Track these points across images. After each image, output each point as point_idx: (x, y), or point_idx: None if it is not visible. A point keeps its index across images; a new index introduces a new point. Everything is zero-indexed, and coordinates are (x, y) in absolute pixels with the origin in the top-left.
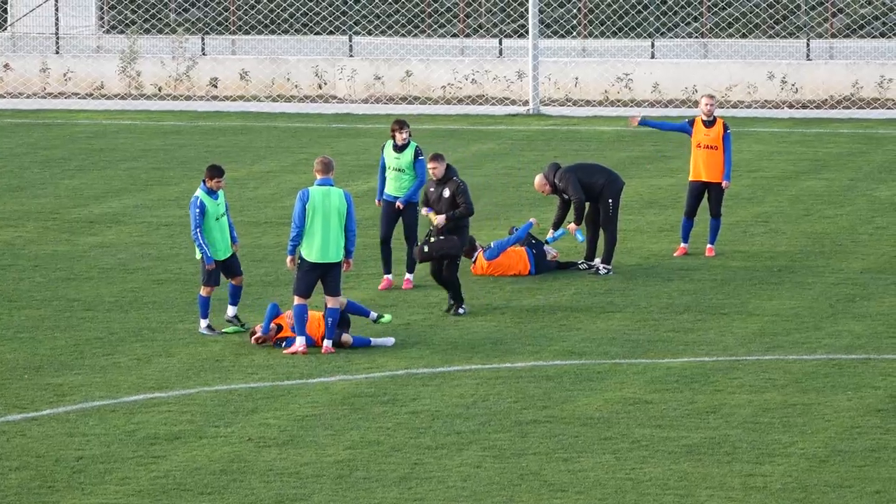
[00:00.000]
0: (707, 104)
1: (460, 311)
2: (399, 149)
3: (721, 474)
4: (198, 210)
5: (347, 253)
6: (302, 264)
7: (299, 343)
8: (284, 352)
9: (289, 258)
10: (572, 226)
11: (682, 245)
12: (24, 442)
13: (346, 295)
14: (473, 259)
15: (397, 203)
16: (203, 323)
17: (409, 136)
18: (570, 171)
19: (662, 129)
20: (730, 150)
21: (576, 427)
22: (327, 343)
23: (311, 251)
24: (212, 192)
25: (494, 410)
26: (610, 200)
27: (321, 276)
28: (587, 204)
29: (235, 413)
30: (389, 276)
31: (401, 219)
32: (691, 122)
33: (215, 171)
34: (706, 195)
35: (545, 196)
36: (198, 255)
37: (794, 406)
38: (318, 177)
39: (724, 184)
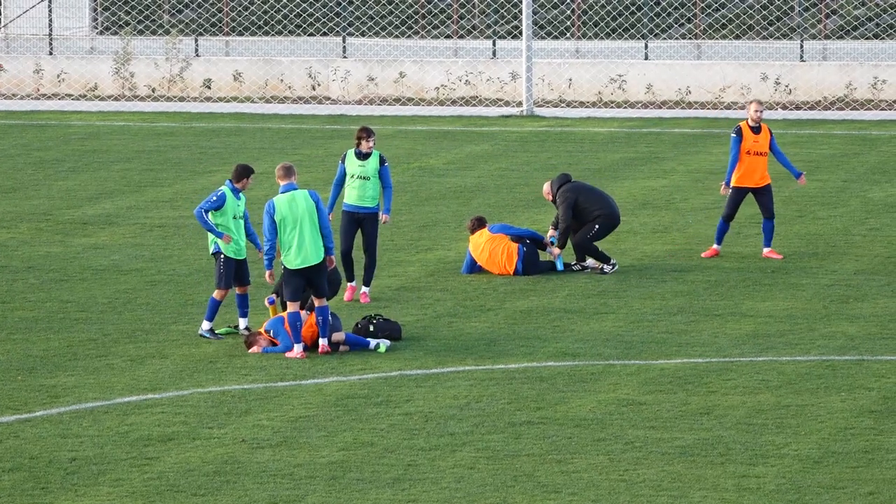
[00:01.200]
0: (756, 110)
1: None
2: (363, 156)
3: (715, 476)
4: (214, 198)
5: (327, 250)
6: (285, 271)
7: (297, 350)
8: (286, 355)
9: (267, 273)
10: (556, 251)
11: (715, 247)
12: (17, 443)
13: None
14: (473, 232)
15: (384, 217)
16: (205, 325)
17: (374, 144)
18: (573, 191)
19: (734, 165)
20: (779, 150)
21: (569, 428)
22: (323, 342)
23: (292, 259)
24: (236, 192)
25: (488, 412)
26: (597, 226)
27: (307, 278)
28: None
29: (229, 414)
30: (353, 283)
31: (360, 229)
32: (738, 131)
33: (243, 172)
34: (755, 200)
35: (543, 200)
36: (211, 249)
37: (787, 407)
38: (281, 183)
39: (801, 181)
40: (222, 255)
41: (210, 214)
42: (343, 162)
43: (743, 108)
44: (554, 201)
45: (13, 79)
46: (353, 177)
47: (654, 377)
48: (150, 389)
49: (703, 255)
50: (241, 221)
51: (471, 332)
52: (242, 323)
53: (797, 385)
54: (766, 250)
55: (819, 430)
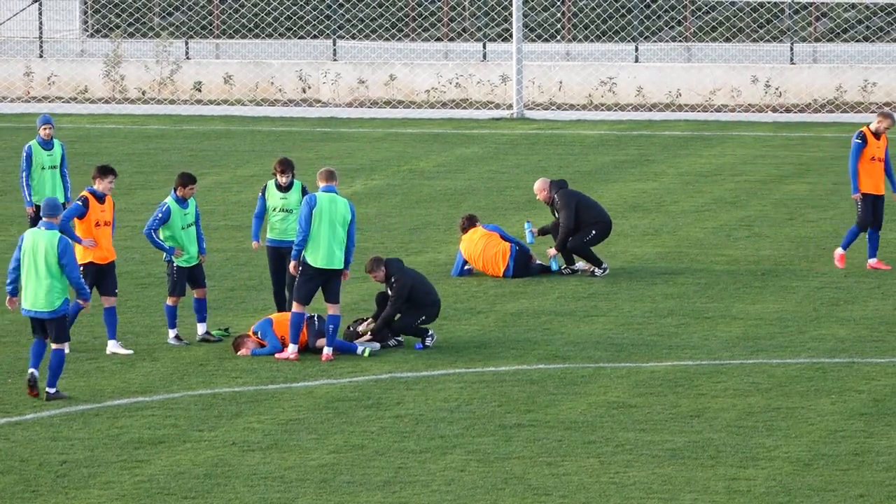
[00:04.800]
0: (887, 127)
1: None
2: (284, 188)
3: (705, 478)
4: (160, 215)
5: (346, 263)
6: (304, 270)
7: (291, 350)
8: (276, 357)
9: (292, 263)
10: (552, 251)
11: (873, 260)
12: (8, 446)
13: None
14: (465, 231)
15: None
16: (171, 333)
17: (293, 176)
18: (574, 196)
19: (856, 172)
20: (889, 159)
21: (560, 431)
22: (327, 351)
23: (317, 257)
24: (181, 201)
25: (478, 414)
26: (594, 231)
27: (323, 283)
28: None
29: (219, 417)
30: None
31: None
32: (862, 136)
33: (187, 179)
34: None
35: (534, 203)
36: (164, 256)
37: (777, 410)
38: (322, 184)
39: (895, 196)
40: (174, 264)
41: (159, 230)
42: (263, 194)
43: (733, 110)
44: (548, 202)
45: (3, 81)
46: (275, 209)
47: (644, 380)
48: (141, 392)
49: (877, 267)
50: (191, 230)
51: (461, 334)
52: (201, 329)
53: (787, 388)
54: (871, 261)
55: (809, 433)
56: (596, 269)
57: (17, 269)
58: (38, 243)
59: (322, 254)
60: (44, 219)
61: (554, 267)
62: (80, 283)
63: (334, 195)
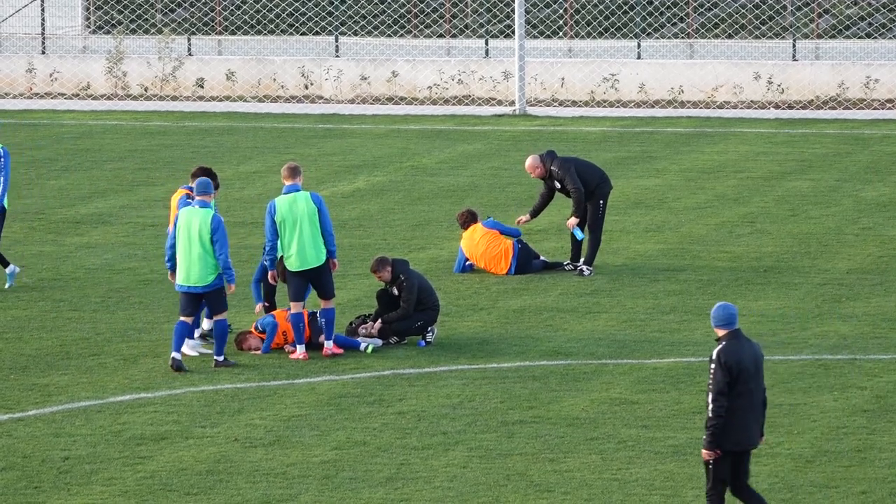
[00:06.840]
0: None
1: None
2: None
3: None
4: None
5: (330, 253)
6: (287, 272)
7: (300, 351)
8: (290, 357)
9: (270, 273)
10: (572, 220)
11: None
12: (10, 442)
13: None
14: (465, 227)
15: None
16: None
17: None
18: (570, 161)
19: None
20: None
21: (562, 427)
22: (328, 344)
23: (291, 261)
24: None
25: (481, 411)
26: (600, 201)
27: (310, 280)
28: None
29: (222, 413)
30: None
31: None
32: None
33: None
34: None
35: (530, 197)
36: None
37: (780, 406)
38: (285, 183)
39: None
40: None
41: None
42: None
43: (735, 106)
44: (545, 175)
45: (5, 78)
46: None
47: (646, 376)
48: (143, 388)
49: None
50: None
51: (463, 331)
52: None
53: (790, 384)
54: None
55: (812, 430)
56: (584, 268)
57: (173, 246)
58: (192, 220)
59: (294, 258)
60: (197, 197)
61: (580, 236)
62: (228, 263)
63: (294, 195)
